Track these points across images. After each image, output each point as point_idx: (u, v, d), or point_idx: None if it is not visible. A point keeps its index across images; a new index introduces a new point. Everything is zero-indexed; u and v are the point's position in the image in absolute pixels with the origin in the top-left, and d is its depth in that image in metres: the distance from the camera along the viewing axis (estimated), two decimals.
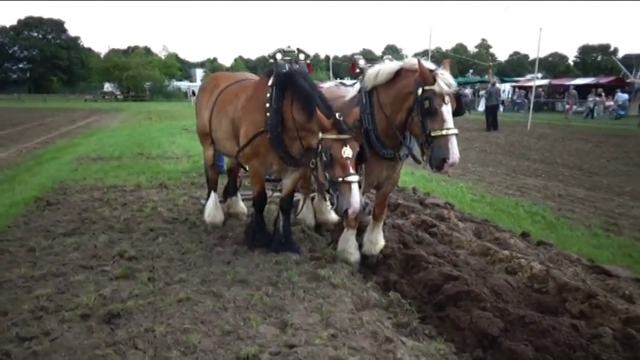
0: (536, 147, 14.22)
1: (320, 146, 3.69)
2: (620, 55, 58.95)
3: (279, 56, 4.36)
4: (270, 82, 4.18)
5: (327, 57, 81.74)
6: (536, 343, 2.99)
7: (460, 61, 63.52)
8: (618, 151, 13.02)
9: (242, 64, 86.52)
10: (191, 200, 6.76)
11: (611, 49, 76.80)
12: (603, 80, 40.05)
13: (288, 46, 4.51)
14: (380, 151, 4.03)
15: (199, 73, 79.47)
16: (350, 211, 3.57)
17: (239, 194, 6.02)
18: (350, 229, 4.51)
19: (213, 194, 5.54)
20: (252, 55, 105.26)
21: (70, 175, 8.59)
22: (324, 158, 3.63)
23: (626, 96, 33.32)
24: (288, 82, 4.06)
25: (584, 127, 21.51)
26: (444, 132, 3.46)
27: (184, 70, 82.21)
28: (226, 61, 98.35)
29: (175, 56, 79.36)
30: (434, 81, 3.47)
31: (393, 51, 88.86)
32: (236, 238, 5.05)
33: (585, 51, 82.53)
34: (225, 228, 5.41)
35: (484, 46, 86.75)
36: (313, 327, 3.25)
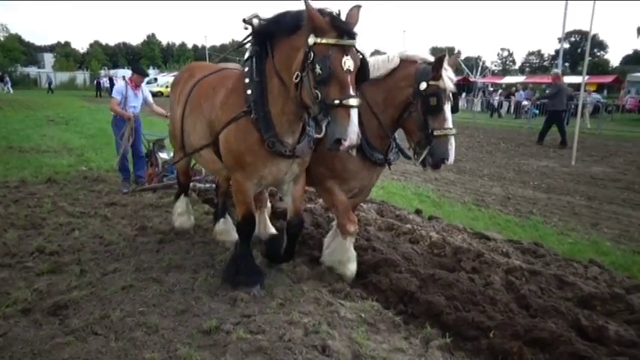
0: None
1: (312, 54, 2.73)
2: (463, 57, 66.92)
3: (255, 21, 3.37)
4: (246, 56, 3.40)
5: (197, 47, 79.62)
6: (446, 294, 3.68)
7: None
8: (473, 141, 15.11)
9: (99, 50, 79.88)
10: (92, 194, 6.49)
11: (456, 51, 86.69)
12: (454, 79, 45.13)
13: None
14: (371, 156, 3.67)
15: (48, 58, 71.65)
16: (346, 144, 2.72)
17: (228, 217, 4.73)
18: (349, 236, 3.86)
19: (183, 197, 4.99)
20: (111, 40, 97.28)
21: None
22: (318, 71, 2.70)
23: None
24: (265, 30, 3.18)
25: None
26: (447, 131, 3.27)
27: (30, 54, 73.22)
28: (81, 45, 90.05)
29: (18, 38, 70.27)
30: (440, 76, 3.25)
31: None
32: (156, 228, 5.09)
33: (434, 52, 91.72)
34: (141, 218, 5.38)
35: None
36: (261, 299, 3.59)
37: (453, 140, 3.30)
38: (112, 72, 48.80)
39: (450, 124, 3.28)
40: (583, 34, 68.98)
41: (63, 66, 62.22)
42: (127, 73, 43.97)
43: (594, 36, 58.57)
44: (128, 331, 3.04)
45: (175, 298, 3.53)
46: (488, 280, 3.97)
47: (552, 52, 76.52)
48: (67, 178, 7.43)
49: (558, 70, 16.74)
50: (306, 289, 3.76)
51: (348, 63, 2.73)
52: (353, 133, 2.70)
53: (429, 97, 3.24)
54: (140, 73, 7.24)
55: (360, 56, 2.85)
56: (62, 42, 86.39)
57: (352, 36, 2.77)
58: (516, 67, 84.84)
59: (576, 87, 25.74)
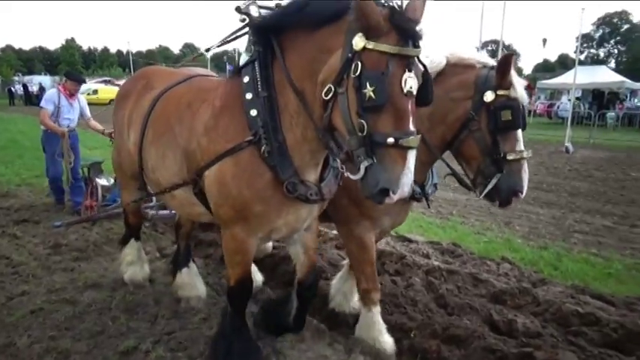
0: None
1: (359, 64, 1.84)
2: None
3: (254, 10, 2.47)
4: (243, 60, 2.48)
5: (122, 52, 76.30)
6: None
7: None
8: None
9: (12, 55, 74.65)
10: (0, 212, 6.01)
11: None
12: None
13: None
14: None
15: None
16: (395, 197, 1.87)
17: (192, 265, 3.89)
18: (374, 306, 3.10)
19: (133, 242, 3.96)
20: (26, 44, 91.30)
21: None
22: (369, 93, 1.81)
23: None
24: (276, 21, 2.27)
25: None
26: (522, 154, 2.54)
27: None
28: None
29: None
30: (511, 83, 2.51)
31: (191, 49, 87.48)
32: (72, 246, 4.81)
33: None
34: (56, 236, 5.05)
35: None
36: (183, 315, 3.50)
37: (526, 166, 2.58)
38: (26, 78, 45.64)
39: (522, 145, 2.55)
40: (499, 44, 73.91)
41: None
42: (44, 79, 41.37)
43: (509, 45, 62.66)
44: (36, 358, 2.85)
45: (90, 319, 3.36)
46: (409, 281, 4.11)
47: None
48: None
49: None
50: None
51: (410, 82, 1.86)
52: (406, 184, 1.86)
53: (499, 110, 2.48)
54: (75, 79, 6.24)
55: (422, 70, 1.96)
56: None
57: (418, 42, 1.91)
58: None
59: None
